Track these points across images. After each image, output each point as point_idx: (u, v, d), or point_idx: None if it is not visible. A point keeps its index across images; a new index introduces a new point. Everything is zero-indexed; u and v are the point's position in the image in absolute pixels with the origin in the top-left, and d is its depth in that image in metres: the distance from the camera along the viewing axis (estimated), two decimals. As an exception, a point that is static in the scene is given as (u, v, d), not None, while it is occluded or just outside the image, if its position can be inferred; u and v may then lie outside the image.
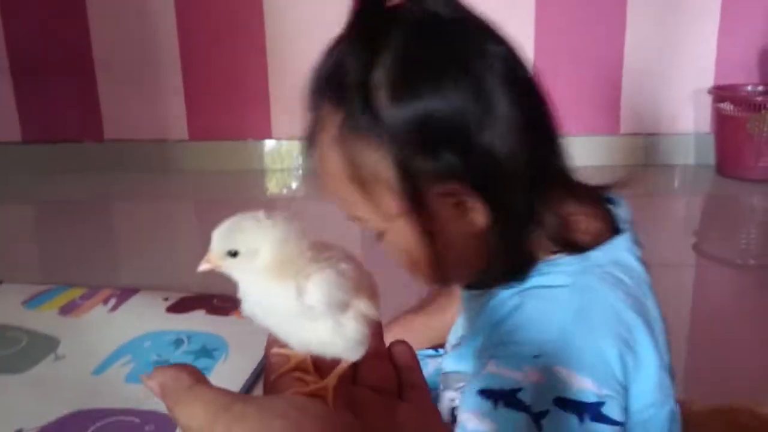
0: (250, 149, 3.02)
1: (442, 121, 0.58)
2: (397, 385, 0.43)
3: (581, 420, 0.54)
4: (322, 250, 0.40)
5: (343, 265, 0.40)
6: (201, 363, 1.44)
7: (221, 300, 1.73)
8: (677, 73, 2.84)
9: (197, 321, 1.62)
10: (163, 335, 1.56)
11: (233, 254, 0.39)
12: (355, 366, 0.43)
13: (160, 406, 1.24)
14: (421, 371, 0.45)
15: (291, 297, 0.38)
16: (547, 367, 0.55)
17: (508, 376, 0.56)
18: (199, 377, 0.38)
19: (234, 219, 0.39)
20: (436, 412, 0.44)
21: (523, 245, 0.62)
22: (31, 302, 1.75)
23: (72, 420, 1.28)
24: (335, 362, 0.40)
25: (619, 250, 0.64)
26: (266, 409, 0.35)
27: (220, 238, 0.39)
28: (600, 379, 0.56)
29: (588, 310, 0.59)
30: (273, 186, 2.97)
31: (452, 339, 0.75)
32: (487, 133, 0.58)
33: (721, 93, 2.74)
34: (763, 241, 2.35)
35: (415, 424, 0.40)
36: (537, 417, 0.54)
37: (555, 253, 0.63)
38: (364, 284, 0.41)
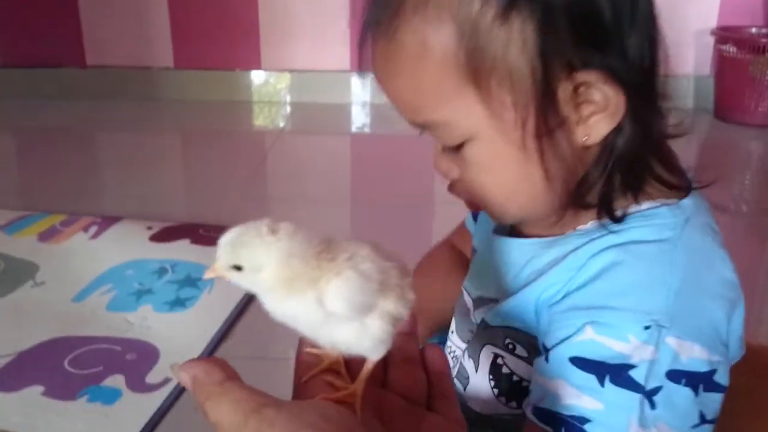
0: (238, 80, 2.93)
1: None
2: (426, 392, 0.43)
3: (696, 392, 0.50)
4: (340, 251, 0.39)
5: (366, 265, 0.38)
6: (186, 293, 1.40)
7: (207, 229, 1.68)
8: (679, 12, 2.76)
9: (182, 250, 1.57)
10: (146, 264, 1.51)
11: (238, 268, 0.38)
12: (386, 367, 0.43)
13: (142, 335, 1.20)
14: (451, 379, 0.44)
15: (311, 308, 0.38)
16: (659, 340, 0.49)
17: (611, 346, 0.50)
18: (230, 373, 0.38)
19: (238, 231, 0.39)
20: (463, 426, 0.43)
21: (639, 169, 0.54)
22: (9, 227, 1.69)
23: (51, 346, 1.24)
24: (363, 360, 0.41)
25: (701, 198, 0.58)
26: (296, 418, 0.35)
27: (225, 250, 0.38)
28: (710, 345, 0.51)
29: (695, 270, 0.53)
30: (261, 119, 2.89)
31: (473, 290, 0.67)
32: (637, 23, 0.51)
33: (724, 34, 2.67)
34: (758, 188, 2.32)
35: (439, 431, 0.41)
36: (649, 394, 0.49)
37: (648, 200, 0.55)
38: (391, 281, 0.39)
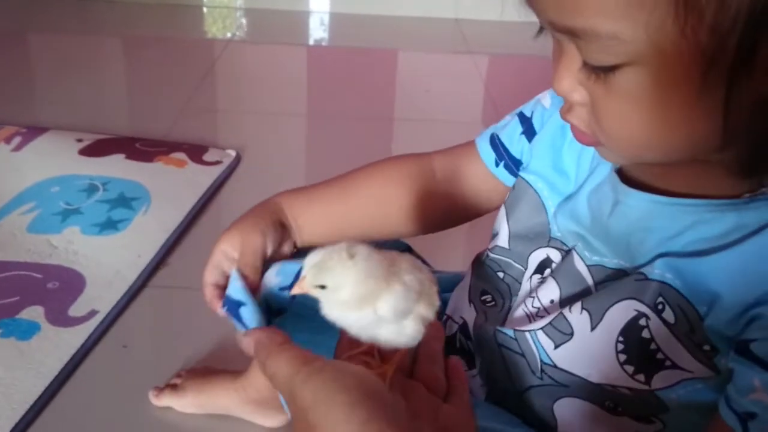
0: (186, -19, 2.70)
1: None
2: (445, 391, 0.49)
3: None
4: (391, 265, 0.47)
5: (408, 277, 0.46)
6: (118, 214, 1.26)
7: (145, 144, 1.52)
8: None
9: (115, 166, 1.41)
10: (74, 180, 1.35)
11: (322, 287, 0.46)
12: (413, 363, 0.50)
13: (67, 261, 1.04)
14: (467, 385, 0.49)
15: (367, 317, 0.46)
16: None
17: None
18: (288, 340, 0.47)
19: (322, 255, 0.46)
20: (473, 416, 0.48)
21: None
22: None
23: (-40, 273, 1.10)
24: (396, 351, 0.49)
25: None
26: (340, 369, 0.43)
27: (311, 272, 0.46)
28: None
29: None
30: (211, 25, 2.67)
31: (570, 237, 0.58)
32: None
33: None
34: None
35: (453, 420, 0.46)
36: None
37: None
38: (426, 290, 0.48)
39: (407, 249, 0.78)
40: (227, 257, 0.65)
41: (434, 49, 2.45)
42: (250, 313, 0.58)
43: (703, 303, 0.48)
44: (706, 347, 0.49)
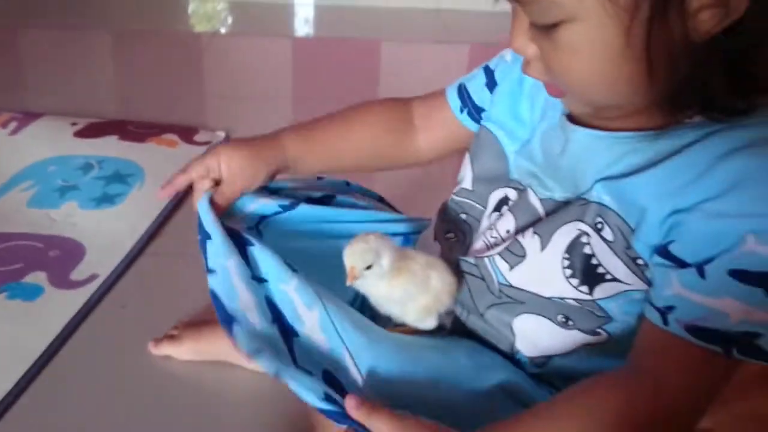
0: (172, -24, 2.75)
1: None
2: None
3: None
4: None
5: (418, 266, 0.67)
6: (114, 189, 1.32)
7: (136, 126, 1.58)
8: None
9: (109, 146, 1.47)
10: (70, 159, 1.41)
11: (368, 267, 0.63)
12: None
13: (66, 231, 1.11)
14: None
15: (396, 292, 0.66)
16: None
17: None
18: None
19: (355, 247, 0.64)
20: None
21: (754, 70, 0.50)
22: None
23: (-35, 243, 1.15)
24: None
25: None
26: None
27: (356, 259, 0.63)
28: None
29: None
30: (197, 19, 2.72)
31: (526, 177, 0.66)
32: None
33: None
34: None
35: None
36: None
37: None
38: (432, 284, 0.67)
39: (379, 199, 0.85)
40: (216, 170, 0.73)
41: (416, 39, 2.52)
42: (214, 248, 0.66)
43: (634, 218, 0.55)
44: (640, 261, 0.56)
